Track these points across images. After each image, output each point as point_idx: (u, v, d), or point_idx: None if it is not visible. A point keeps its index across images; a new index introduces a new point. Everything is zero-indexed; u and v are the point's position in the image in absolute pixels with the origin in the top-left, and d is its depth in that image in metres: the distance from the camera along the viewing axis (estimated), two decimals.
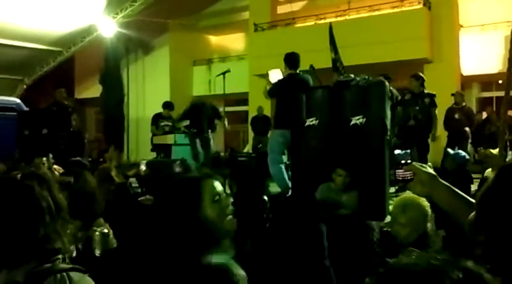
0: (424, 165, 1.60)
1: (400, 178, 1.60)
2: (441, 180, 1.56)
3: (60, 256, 1.55)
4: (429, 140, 7.47)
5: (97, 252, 2.74)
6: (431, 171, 1.57)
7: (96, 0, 13.86)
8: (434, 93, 7.55)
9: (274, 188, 6.27)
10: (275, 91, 6.40)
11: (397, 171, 1.60)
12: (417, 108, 7.35)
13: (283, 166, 6.21)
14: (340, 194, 4.82)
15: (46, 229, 1.54)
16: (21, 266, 1.49)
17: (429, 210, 3.27)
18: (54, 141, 8.82)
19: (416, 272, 0.83)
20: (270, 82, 6.45)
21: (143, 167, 5.28)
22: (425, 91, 7.48)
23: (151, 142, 9.22)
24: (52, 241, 1.54)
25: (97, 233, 2.80)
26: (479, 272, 0.84)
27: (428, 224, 3.29)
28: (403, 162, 1.52)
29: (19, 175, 1.63)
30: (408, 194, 3.39)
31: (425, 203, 3.31)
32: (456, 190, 1.54)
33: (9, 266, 1.49)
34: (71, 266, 1.54)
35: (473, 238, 1.16)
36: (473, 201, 1.49)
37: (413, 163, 1.59)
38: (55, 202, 1.61)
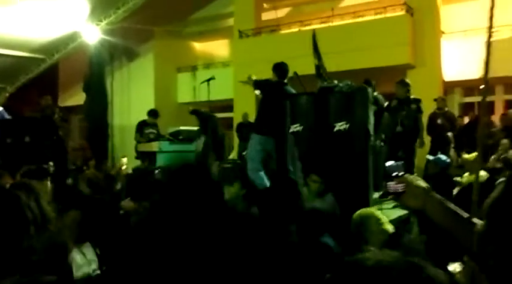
0: (417, 177, 1.57)
1: (391, 191, 1.56)
2: (435, 194, 1.53)
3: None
4: (416, 145, 7.55)
5: None
6: (424, 184, 1.54)
7: (79, 7, 13.77)
8: (420, 98, 7.62)
9: None
10: (261, 87, 6.40)
11: (388, 183, 1.56)
12: (404, 113, 7.42)
13: (263, 174, 6.21)
14: (314, 199, 4.79)
15: (31, 241, 1.51)
16: (6, 278, 1.46)
17: (378, 214, 3.52)
18: (37, 149, 8.72)
19: (367, 267, 0.88)
20: (251, 80, 6.45)
21: (124, 162, 5.25)
22: (411, 97, 7.56)
23: (135, 150, 9.16)
24: (37, 252, 1.52)
25: None
26: (423, 266, 0.87)
27: (389, 227, 3.43)
28: (394, 174, 1.45)
29: (8, 185, 1.60)
30: (357, 212, 3.58)
31: (371, 209, 3.60)
32: (450, 203, 1.52)
33: None
34: (56, 278, 1.52)
35: (482, 249, 1.13)
36: (467, 215, 1.48)
37: (406, 175, 1.56)
38: (42, 213, 1.57)
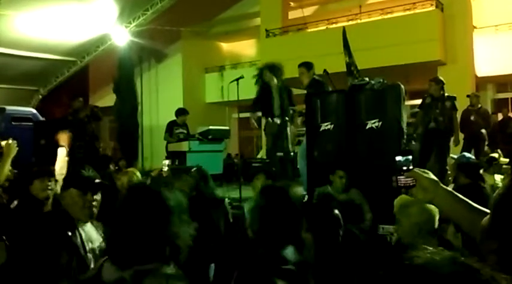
0: (426, 170, 1.57)
1: (402, 185, 1.58)
2: (443, 186, 1.54)
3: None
4: (451, 144, 7.44)
5: None
6: (432, 176, 1.55)
7: (109, 10, 13.99)
8: (455, 96, 7.51)
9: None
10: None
11: (398, 177, 1.58)
12: (437, 111, 7.32)
13: None
14: (339, 195, 4.78)
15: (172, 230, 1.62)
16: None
17: (435, 211, 2.91)
18: (70, 150, 8.87)
19: (416, 266, 0.84)
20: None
21: (166, 167, 5.25)
22: (446, 94, 7.45)
23: (166, 150, 9.23)
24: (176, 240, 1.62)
25: None
26: (476, 268, 0.83)
27: (436, 225, 2.95)
28: (404, 168, 1.49)
29: (148, 182, 1.74)
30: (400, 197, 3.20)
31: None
32: (459, 195, 1.52)
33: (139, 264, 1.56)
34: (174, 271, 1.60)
35: (485, 246, 1.12)
36: (476, 206, 1.47)
37: (415, 169, 1.57)
38: (179, 204, 1.71)
